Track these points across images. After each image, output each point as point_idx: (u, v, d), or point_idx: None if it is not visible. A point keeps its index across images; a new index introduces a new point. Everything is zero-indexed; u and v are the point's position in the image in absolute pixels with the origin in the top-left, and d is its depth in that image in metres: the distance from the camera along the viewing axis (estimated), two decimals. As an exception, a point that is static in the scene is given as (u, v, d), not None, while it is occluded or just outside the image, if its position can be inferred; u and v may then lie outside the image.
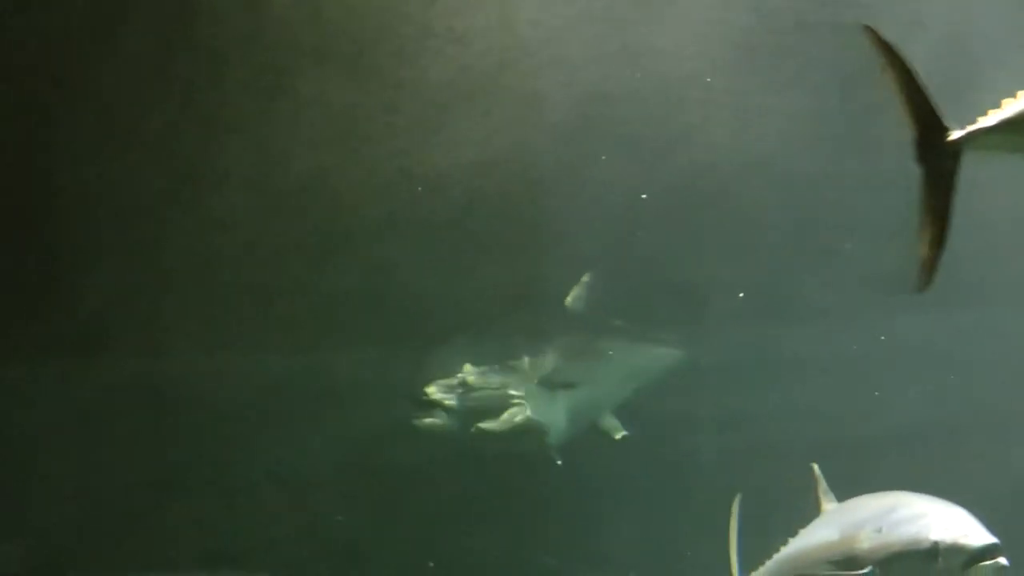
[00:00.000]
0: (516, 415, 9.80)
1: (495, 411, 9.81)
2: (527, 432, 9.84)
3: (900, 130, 4.79)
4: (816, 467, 8.10)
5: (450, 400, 9.83)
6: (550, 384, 10.01)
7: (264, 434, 10.13)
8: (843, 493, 7.94)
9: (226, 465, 10.14)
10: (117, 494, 10.07)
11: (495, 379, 9.86)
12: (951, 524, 6.96)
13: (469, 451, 9.97)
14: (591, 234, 10.18)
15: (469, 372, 9.83)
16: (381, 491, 10.31)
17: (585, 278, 10.50)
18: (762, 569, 8.18)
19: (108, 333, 9.99)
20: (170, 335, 10.08)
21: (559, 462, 9.95)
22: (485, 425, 9.78)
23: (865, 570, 7.22)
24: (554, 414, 10.01)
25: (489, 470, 10.10)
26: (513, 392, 9.85)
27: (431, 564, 10.14)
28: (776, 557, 8.06)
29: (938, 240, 4.74)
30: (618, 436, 10.31)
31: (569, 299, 10.52)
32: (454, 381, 9.86)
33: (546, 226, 10.16)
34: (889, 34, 4.77)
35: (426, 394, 9.82)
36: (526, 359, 10.00)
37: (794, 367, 10.32)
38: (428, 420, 9.82)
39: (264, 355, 10.13)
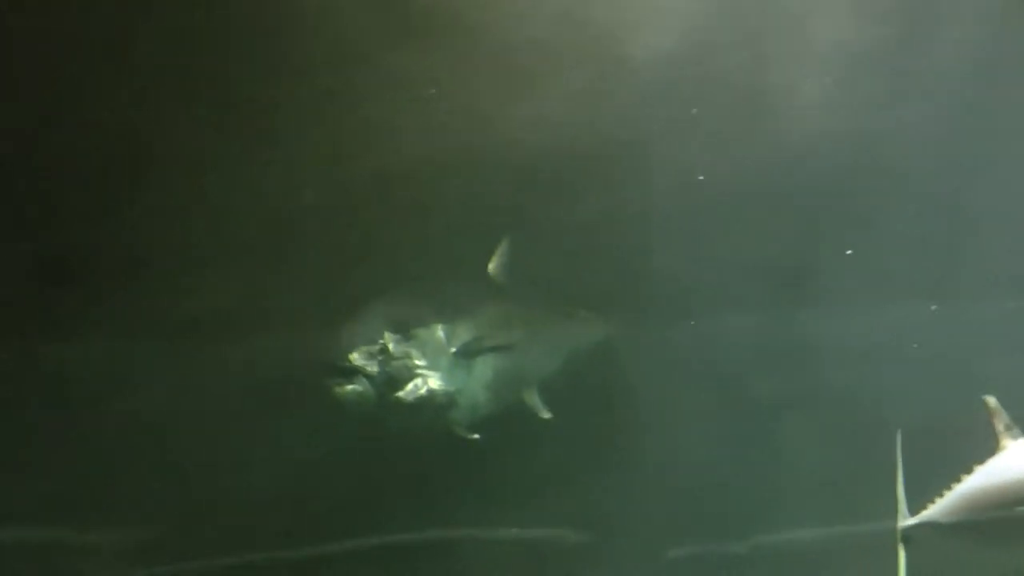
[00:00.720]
0: (424, 386, 9.53)
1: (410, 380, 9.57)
2: (438, 405, 9.56)
3: None
4: (993, 399, 7.71)
5: (372, 368, 9.50)
6: (469, 355, 9.72)
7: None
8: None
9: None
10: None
11: (412, 348, 9.56)
12: None
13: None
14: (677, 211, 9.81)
15: (389, 340, 9.51)
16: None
17: (503, 245, 10.17)
18: (941, 504, 7.77)
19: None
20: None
21: (475, 436, 9.63)
22: (403, 395, 9.50)
23: None
24: (471, 386, 9.72)
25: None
26: (421, 362, 9.57)
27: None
28: (958, 491, 7.66)
29: None
30: (545, 416, 10.02)
31: (491, 268, 10.20)
32: (376, 348, 9.53)
33: (626, 202, 9.87)
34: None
35: (350, 361, 9.51)
36: (439, 328, 9.69)
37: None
38: (349, 388, 9.46)
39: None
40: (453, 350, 9.60)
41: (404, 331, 9.51)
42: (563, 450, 9.87)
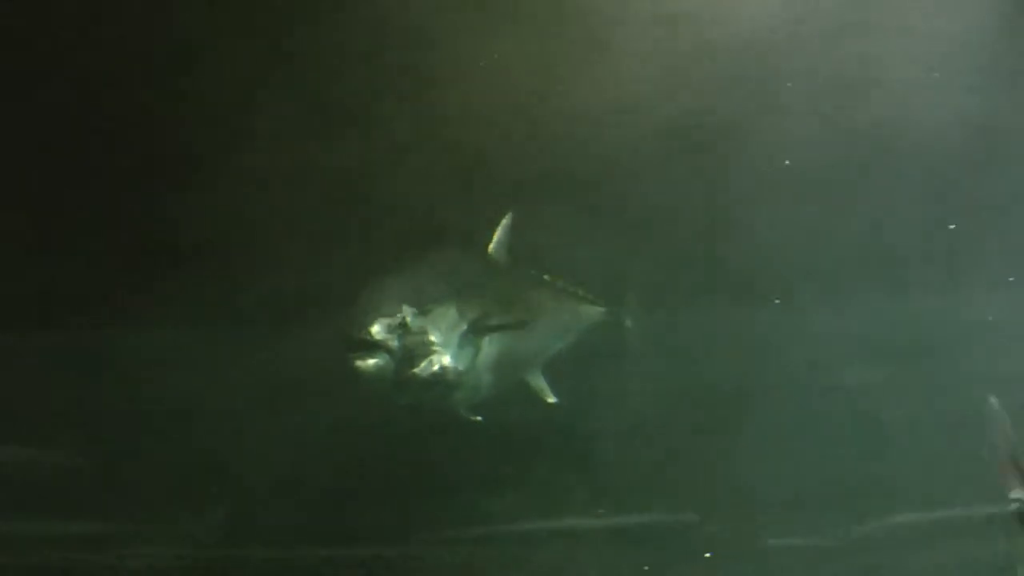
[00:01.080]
0: (438, 363, 9.38)
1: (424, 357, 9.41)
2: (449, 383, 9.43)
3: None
4: None
5: (392, 342, 9.30)
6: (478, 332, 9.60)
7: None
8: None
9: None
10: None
11: (425, 322, 9.38)
12: None
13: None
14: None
15: (407, 314, 9.32)
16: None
17: (506, 220, 10.14)
18: None
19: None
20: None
21: (478, 418, 9.56)
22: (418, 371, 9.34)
23: None
24: (478, 365, 9.60)
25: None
26: (436, 338, 9.41)
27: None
28: None
29: None
30: (549, 400, 9.99)
31: (491, 247, 10.20)
32: (396, 321, 9.33)
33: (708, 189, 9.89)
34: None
35: (370, 334, 9.32)
36: (451, 305, 9.53)
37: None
38: (371, 361, 9.24)
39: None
40: (464, 327, 9.43)
41: (420, 306, 9.30)
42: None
